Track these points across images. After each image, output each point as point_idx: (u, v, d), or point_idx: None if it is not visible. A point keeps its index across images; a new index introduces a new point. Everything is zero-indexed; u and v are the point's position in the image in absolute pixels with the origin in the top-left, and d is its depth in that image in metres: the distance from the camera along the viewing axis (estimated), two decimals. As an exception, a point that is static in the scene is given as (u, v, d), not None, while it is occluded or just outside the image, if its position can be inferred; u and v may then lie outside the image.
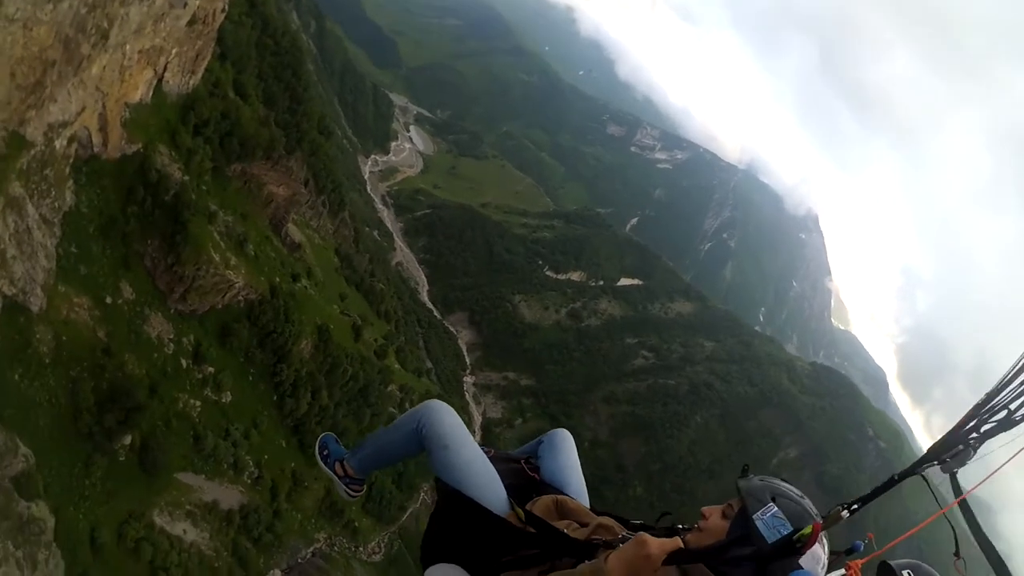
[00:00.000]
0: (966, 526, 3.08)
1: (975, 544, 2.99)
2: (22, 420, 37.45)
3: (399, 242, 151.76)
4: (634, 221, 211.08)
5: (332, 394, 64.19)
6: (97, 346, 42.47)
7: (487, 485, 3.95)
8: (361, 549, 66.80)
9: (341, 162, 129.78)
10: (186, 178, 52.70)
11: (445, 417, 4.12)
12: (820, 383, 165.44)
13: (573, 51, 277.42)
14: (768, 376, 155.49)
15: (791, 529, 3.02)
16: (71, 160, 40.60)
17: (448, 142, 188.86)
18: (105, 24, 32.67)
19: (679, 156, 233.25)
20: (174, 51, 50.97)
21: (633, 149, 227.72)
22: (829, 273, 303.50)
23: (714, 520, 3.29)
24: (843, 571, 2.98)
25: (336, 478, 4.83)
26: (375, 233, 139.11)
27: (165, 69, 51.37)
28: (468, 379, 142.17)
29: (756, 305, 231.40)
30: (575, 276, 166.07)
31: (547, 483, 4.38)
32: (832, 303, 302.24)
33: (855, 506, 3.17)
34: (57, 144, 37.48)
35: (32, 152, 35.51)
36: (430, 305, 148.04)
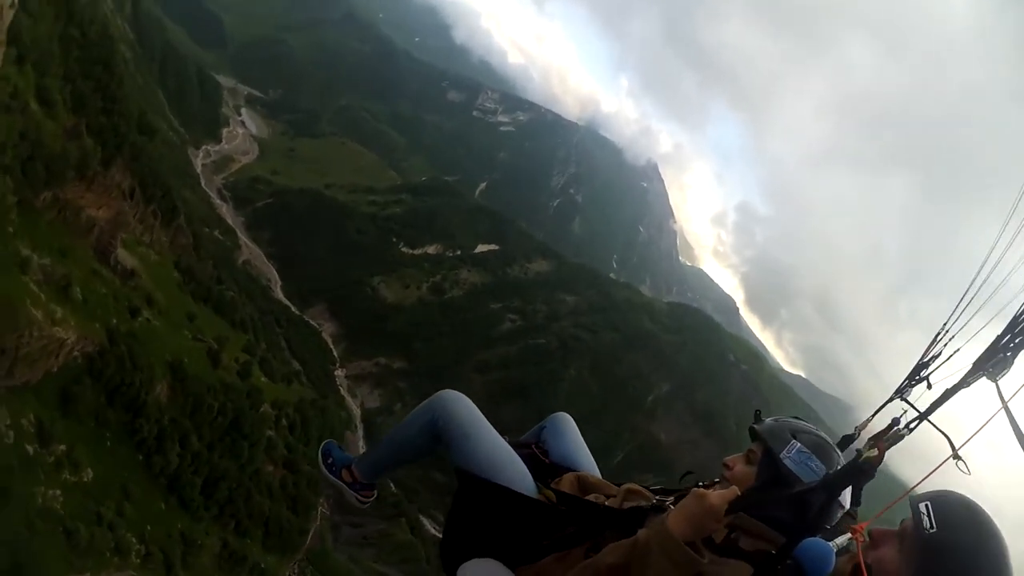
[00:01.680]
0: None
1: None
2: None
3: (243, 238, 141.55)
4: (482, 186, 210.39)
5: (202, 435, 57.67)
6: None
7: (515, 470, 3.83)
8: (275, 590, 61.83)
9: (169, 159, 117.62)
10: (-16, 223, 43.68)
11: (461, 406, 3.98)
12: (679, 320, 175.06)
13: (408, 17, 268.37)
14: (630, 321, 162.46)
15: (818, 461, 3.11)
16: None
17: (283, 123, 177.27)
18: None
19: (521, 118, 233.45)
20: (-46, 62, 41.47)
21: (475, 114, 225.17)
22: (672, 216, 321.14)
23: (739, 468, 3.34)
24: (848, 536, 2.79)
25: (344, 486, 4.52)
26: (216, 233, 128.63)
27: (-56, 85, 41.81)
28: (339, 372, 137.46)
29: (608, 254, 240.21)
30: (431, 249, 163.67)
31: (559, 465, 4.26)
32: (678, 243, 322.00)
33: (914, 423, 2.95)
34: None
35: None
36: (286, 302, 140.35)
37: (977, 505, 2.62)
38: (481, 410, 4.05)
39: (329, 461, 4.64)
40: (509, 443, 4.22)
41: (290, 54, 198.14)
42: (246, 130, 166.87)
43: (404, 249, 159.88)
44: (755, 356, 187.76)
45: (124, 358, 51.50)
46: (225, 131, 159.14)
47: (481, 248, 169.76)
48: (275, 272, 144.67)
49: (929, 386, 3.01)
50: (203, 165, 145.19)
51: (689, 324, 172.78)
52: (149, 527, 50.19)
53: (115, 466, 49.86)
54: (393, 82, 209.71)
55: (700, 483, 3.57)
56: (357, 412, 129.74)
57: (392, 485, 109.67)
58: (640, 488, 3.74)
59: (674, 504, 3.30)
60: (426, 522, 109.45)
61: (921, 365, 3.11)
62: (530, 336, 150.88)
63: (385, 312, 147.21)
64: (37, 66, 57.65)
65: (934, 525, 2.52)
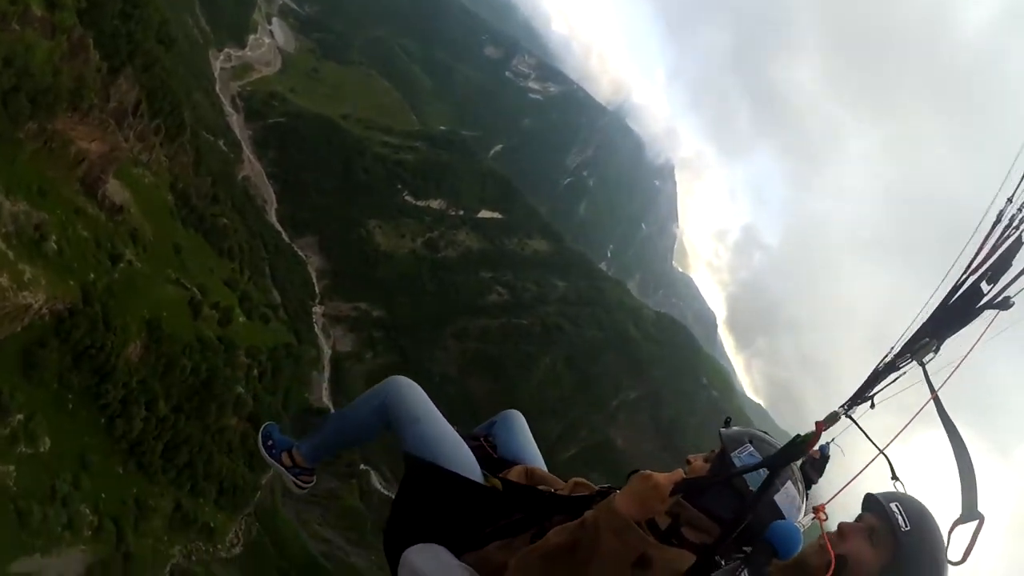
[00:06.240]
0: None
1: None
2: None
3: (247, 153, 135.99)
4: (498, 148, 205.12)
5: (171, 396, 53.97)
6: None
7: (463, 456, 3.88)
8: (220, 547, 59.24)
9: (189, 59, 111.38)
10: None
11: (412, 391, 4.04)
12: (663, 331, 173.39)
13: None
14: (616, 322, 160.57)
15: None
16: None
17: (313, 41, 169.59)
18: None
19: (552, 89, 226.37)
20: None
21: (508, 75, 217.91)
22: (676, 220, 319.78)
23: (697, 464, 3.51)
24: (811, 516, 3.08)
25: (284, 470, 4.53)
26: (220, 143, 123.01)
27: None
28: (317, 309, 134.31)
29: (605, 242, 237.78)
30: (435, 203, 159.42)
31: (507, 460, 4.34)
32: (675, 248, 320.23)
33: (851, 410, 3.16)
34: None
35: None
36: (278, 227, 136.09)
37: (925, 504, 2.96)
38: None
39: (269, 443, 4.54)
40: (458, 434, 4.24)
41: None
42: (273, 41, 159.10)
43: (407, 198, 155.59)
44: (726, 383, 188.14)
45: (97, 319, 47.26)
46: (251, 38, 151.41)
47: (484, 213, 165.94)
48: (273, 194, 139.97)
49: (872, 405, 3.10)
50: (222, 69, 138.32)
51: (671, 338, 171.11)
52: (103, 495, 47.07)
53: (75, 432, 46.29)
54: (432, 24, 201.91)
55: None
56: (327, 353, 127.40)
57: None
58: (586, 482, 3.80)
59: None
60: (377, 483, 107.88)
61: (867, 385, 3.14)
62: (514, 314, 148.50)
63: (376, 258, 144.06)
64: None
65: (907, 524, 2.84)
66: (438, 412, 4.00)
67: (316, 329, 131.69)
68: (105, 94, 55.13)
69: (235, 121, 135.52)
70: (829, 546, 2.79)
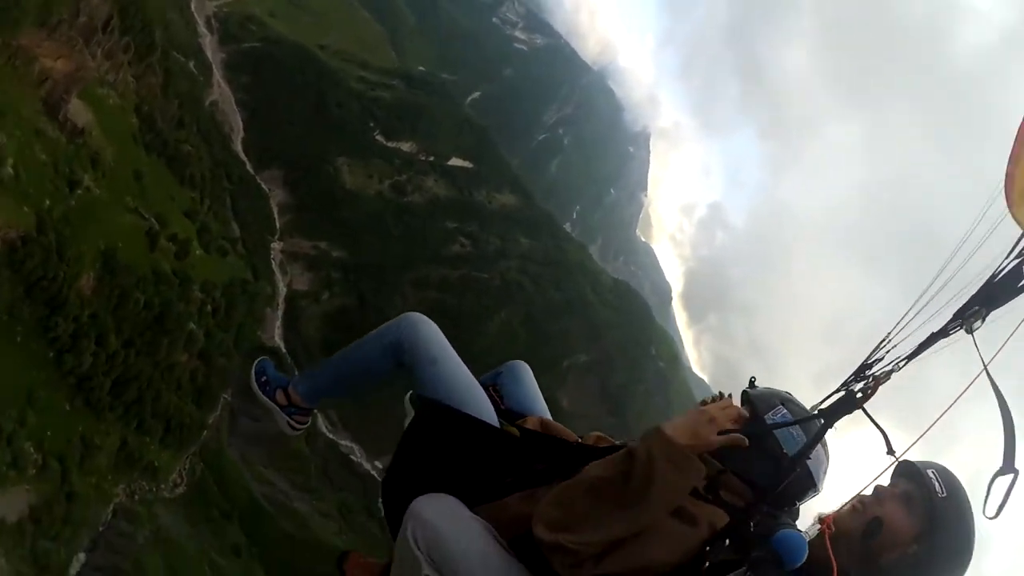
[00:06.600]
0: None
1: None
2: None
3: (218, 76, 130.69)
4: (476, 95, 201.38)
5: (122, 331, 52.54)
6: None
7: (481, 400, 3.63)
8: (163, 487, 58.73)
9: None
10: None
11: (429, 330, 3.73)
12: (620, 299, 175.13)
13: None
14: (575, 285, 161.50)
15: (799, 429, 3.11)
16: None
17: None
18: None
19: (538, 41, 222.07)
20: None
21: (495, 20, 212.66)
22: (645, 189, 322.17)
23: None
24: (819, 526, 2.95)
25: (277, 409, 4.11)
26: (191, 64, 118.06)
27: None
28: (276, 245, 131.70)
29: (572, 203, 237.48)
30: (406, 146, 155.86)
31: (515, 412, 4.04)
32: (641, 216, 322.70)
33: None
34: None
35: None
36: (243, 156, 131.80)
37: (955, 474, 2.95)
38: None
39: (263, 379, 4.18)
40: None
41: None
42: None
43: (379, 137, 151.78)
44: (674, 356, 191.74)
45: (51, 248, 45.41)
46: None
47: (455, 161, 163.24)
48: (240, 121, 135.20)
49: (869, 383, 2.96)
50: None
51: (627, 307, 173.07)
52: (49, 433, 46.01)
53: (23, 366, 44.81)
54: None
55: None
56: (283, 291, 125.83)
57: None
58: (607, 436, 3.63)
59: None
60: (323, 427, 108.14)
61: (866, 365, 3.07)
62: (475, 266, 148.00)
63: (341, 196, 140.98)
64: None
65: (944, 491, 2.84)
66: (454, 352, 3.74)
67: (273, 266, 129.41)
68: (75, 9, 52.07)
69: (208, 43, 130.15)
70: (830, 546, 2.73)
